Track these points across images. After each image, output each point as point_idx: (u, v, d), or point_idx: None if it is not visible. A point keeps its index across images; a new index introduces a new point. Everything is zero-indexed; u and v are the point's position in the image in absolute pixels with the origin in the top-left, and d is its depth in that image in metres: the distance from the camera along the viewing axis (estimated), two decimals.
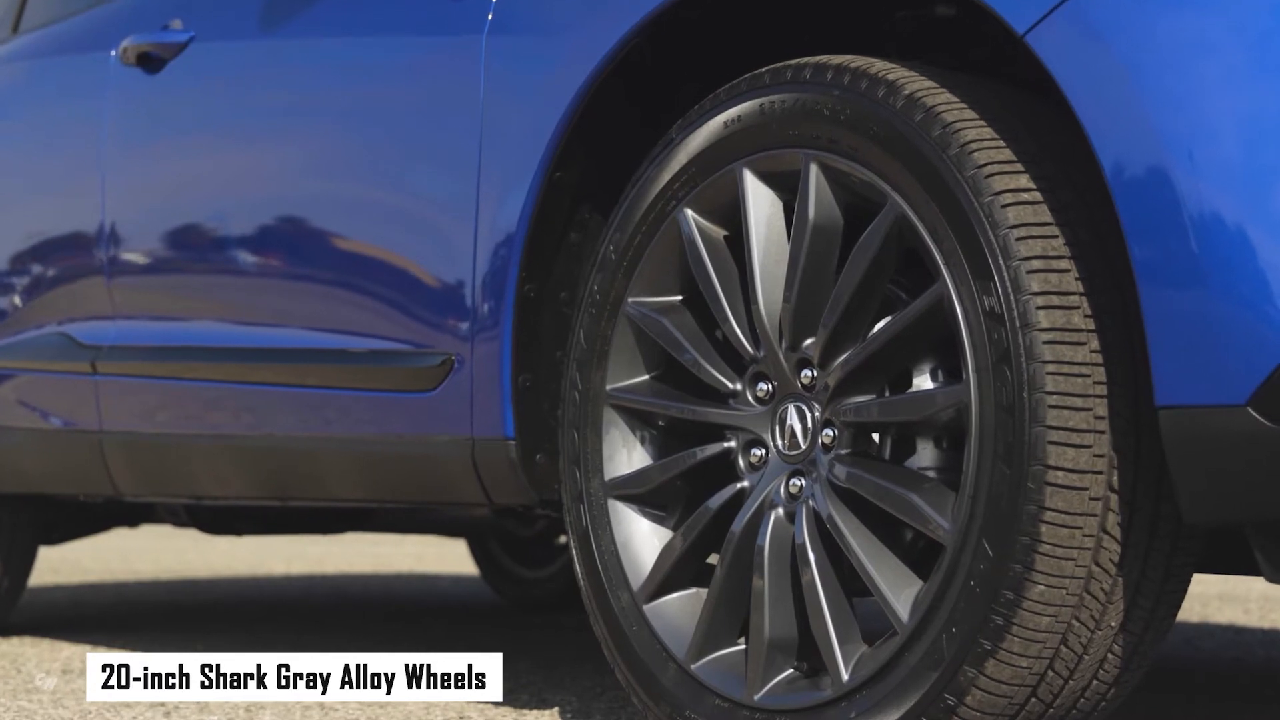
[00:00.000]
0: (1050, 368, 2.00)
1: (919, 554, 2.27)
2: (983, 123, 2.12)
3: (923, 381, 2.24)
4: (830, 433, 2.28)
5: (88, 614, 4.67)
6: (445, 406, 2.76)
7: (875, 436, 2.27)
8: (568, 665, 3.47)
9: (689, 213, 2.42)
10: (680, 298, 2.48)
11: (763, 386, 2.37)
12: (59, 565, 6.40)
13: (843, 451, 2.27)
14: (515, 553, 5.03)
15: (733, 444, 2.39)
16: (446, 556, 7.22)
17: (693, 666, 2.36)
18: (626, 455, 2.49)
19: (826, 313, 2.25)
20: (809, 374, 2.31)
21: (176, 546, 7.65)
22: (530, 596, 5.00)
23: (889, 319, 2.22)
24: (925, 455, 2.25)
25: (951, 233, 2.09)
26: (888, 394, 2.25)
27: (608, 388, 2.49)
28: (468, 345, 2.72)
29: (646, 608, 2.43)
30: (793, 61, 2.34)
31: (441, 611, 5.04)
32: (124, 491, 3.55)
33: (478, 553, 5.16)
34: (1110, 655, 2.14)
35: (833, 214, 2.28)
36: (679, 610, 2.42)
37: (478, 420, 2.71)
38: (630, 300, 2.48)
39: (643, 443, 2.49)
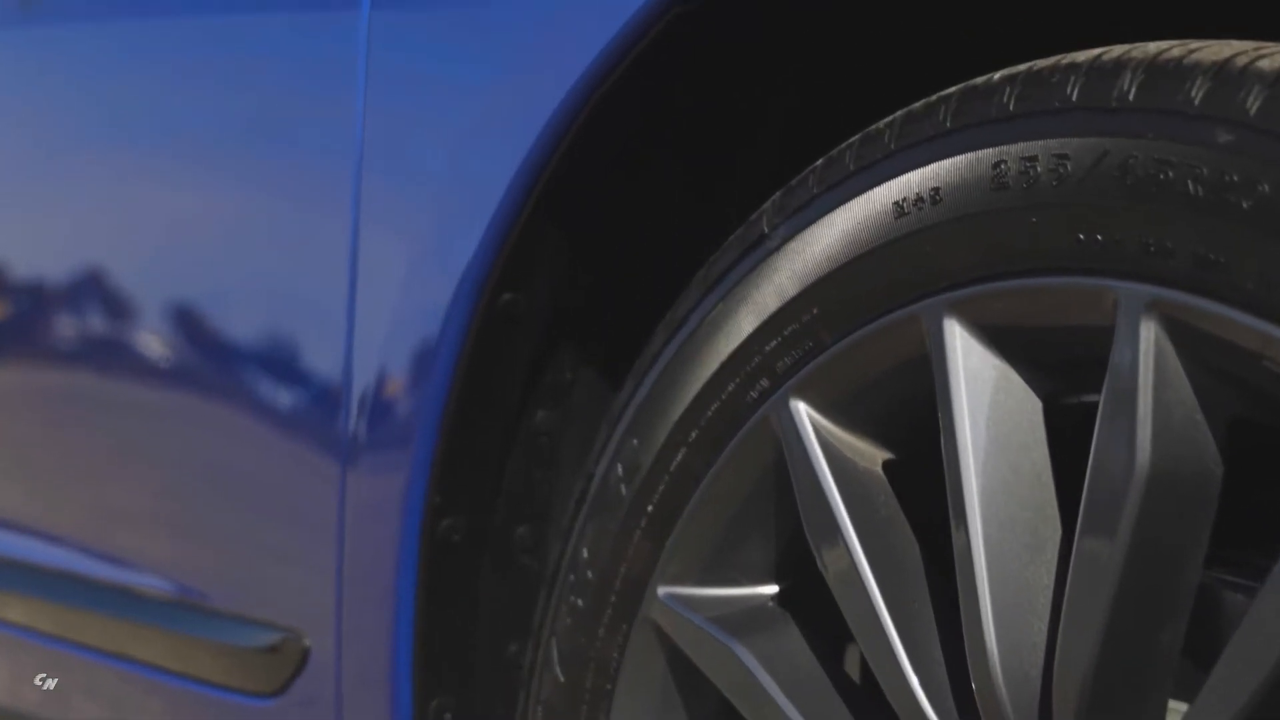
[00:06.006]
0: None
1: None
2: None
3: None
4: None
5: None
6: None
7: None
8: None
9: (800, 409, 1.16)
10: (776, 588, 1.23)
11: None
12: None
13: None
14: None
15: None
16: None
17: None
18: None
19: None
20: None
21: None
22: None
23: None
24: None
25: None
26: None
27: None
28: (330, 626, 1.53)
29: None
30: (1069, 59, 0.98)
31: None
32: None
33: None
34: None
35: (1198, 443, 0.99)
36: None
37: None
38: (664, 591, 1.24)
39: None
